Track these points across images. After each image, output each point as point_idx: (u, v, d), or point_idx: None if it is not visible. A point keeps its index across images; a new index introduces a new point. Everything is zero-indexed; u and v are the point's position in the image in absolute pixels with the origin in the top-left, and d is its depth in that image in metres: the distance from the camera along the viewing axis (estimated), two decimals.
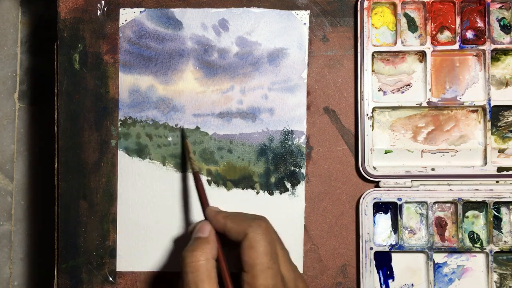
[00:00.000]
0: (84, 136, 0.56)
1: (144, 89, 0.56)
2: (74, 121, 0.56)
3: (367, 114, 0.53)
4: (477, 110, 0.54)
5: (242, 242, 0.41)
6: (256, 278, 0.40)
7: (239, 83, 0.55)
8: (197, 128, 0.55)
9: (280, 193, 0.55)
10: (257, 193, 0.55)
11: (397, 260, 0.54)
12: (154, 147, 0.55)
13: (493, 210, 0.54)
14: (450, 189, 0.54)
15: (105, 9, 0.56)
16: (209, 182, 0.55)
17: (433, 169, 0.54)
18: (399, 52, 0.54)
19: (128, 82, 0.56)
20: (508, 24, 0.55)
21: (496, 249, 0.53)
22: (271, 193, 0.55)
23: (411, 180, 0.53)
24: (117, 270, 0.55)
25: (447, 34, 0.55)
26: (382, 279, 0.54)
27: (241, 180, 0.55)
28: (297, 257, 0.55)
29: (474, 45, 0.54)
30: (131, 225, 0.55)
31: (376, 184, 0.54)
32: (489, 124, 0.53)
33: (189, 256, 0.41)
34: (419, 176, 0.54)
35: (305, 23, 0.55)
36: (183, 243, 0.55)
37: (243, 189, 0.55)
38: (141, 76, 0.56)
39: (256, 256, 0.40)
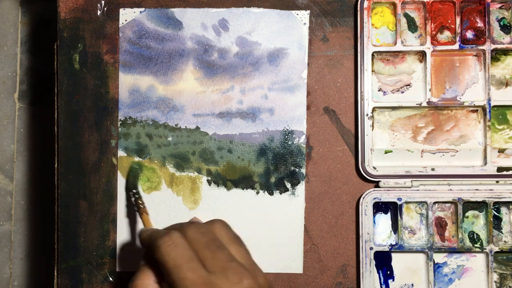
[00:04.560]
0: (84, 136, 0.56)
1: (144, 89, 0.56)
2: (74, 121, 0.56)
3: (367, 114, 0.53)
4: (477, 110, 0.54)
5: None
6: None
7: (239, 83, 0.55)
8: (197, 128, 0.55)
9: (280, 193, 0.55)
10: (257, 193, 0.55)
11: (397, 260, 0.54)
12: (154, 147, 0.55)
13: (493, 210, 0.54)
14: (450, 189, 0.54)
15: (105, 9, 0.56)
16: (209, 182, 0.55)
17: (433, 169, 0.54)
18: (399, 52, 0.54)
19: (128, 82, 0.56)
20: (508, 24, 0.55)
21: (496, 249, 0.53)
22: (271, 193, 0.55)
23: (411, 180, 0.53)
24: (117, 270, 0.55)
25: (447, 34, 0.55)
26: (382, 279, 0.54)
27: (241, 180, 0.55)
28: (297, 257, 0.55)
29: (474, 45, 0.54)
30: (131, 225, 0.55)
31: (376, 184, 0.54)
32: (489, 124, 0.53)
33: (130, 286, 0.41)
34: (419, 176, 0.54)
35: (305, 23, 0.55)
36: None
37: (243, 189, 0.55)
38: (141, 76, 0.56)
39: (167, 271, 0.38)
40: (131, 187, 0.54)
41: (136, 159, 0.55)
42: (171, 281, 0.38)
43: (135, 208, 0.52)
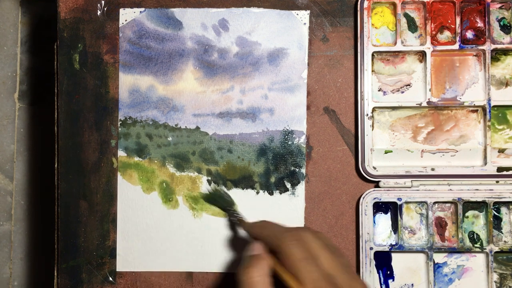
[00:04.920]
0: (84, 136, 0.56)
1: (144, 89, 0.56)
2: (74, 121, 0.56)
3: (367, 114, 0.53)
4: (477, 110, 0.54)
5: (278, 256, 0.41)
6: (302, 284, 0.39)
7: (239, 83, 0.55)
8: (197, 128, 0.55)
9: (280, 193, 0.55)
10: (257, 193, 0.55)
11: (397, 260, 0.54)
12: (154, 147, 0.55)
13: (493, 210, 0.54)
14: (450, 189, 0.54)
15: (105, 9, 0.56)
16: (209, 182, 0.55)
17: (433, 169, 0.54)
18: (399, 52, 0.54)
19: (128, 82, 0.56)
20: (508, 24, 0.55)
21: (496, 249, 0.53)
22: (271, 193, 0.55)
23: (411, 180, 0.54)
24: (117, 270, 0.55)
25: (447, 34, 0.55)
26: (382, 279, 0.54)
27: (241, 180, 0.55)
28: None
29: (474, 45, 0.54)
30: (131, 225, 0.55)
31: (376, 184, 0.54)
32: (489, 124, 0.53)
33: (244, 274, 0.41)
34: (419, 176, 0.54)
35: (305, 23, 0.55)
36: (183, 243, 0.55)
37: (243, 189, 0.55)
38: (141, 76, 0.56)
39: (293, 264, 0.40)
40: (227, 207, 0.54)
41: (136, 159, 0.55)
42: (296, 271, 0.40)
43: (235, 221, 0.52)
